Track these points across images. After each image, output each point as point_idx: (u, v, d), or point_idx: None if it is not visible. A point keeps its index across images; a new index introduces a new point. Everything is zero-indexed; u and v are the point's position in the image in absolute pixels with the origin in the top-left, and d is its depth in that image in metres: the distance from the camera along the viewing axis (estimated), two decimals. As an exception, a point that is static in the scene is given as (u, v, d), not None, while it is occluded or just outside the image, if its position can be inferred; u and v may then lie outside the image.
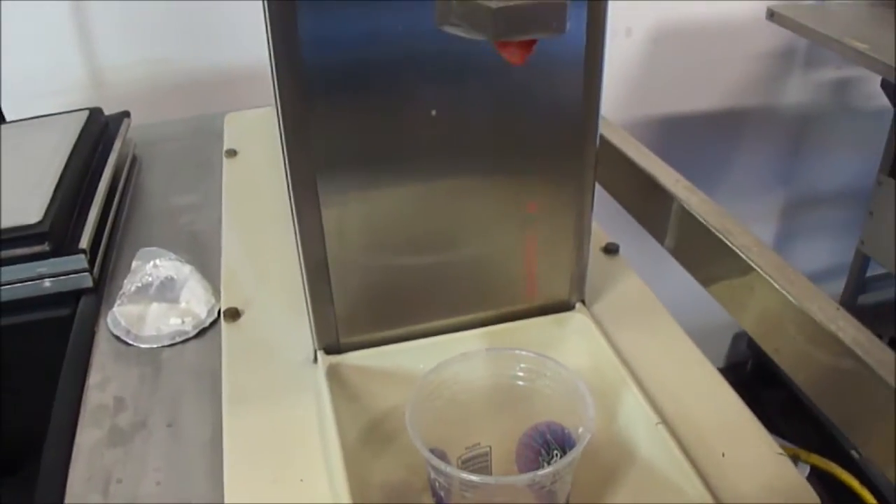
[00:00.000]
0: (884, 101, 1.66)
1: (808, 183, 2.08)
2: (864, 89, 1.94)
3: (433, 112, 0.58)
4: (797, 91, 1.90)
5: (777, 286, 0.67)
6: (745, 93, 1.86)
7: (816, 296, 0.65)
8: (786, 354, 0.67)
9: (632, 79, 1.74)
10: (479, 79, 0.58)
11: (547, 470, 0.50)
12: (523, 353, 0.59)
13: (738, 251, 0.71)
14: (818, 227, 2.15)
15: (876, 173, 1.75)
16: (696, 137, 1.87)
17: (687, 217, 0.78)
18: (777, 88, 1.89)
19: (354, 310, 0.66)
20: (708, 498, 0.54)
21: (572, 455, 0.50)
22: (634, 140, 0.91)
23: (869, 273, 1.92)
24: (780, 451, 0.60)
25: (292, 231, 0.62)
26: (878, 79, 1.64)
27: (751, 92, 1.87)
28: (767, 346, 0.70)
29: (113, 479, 0.64)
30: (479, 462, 0.61)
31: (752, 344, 2.04)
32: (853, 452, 1.68)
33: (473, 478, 0.51)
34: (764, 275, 0.68)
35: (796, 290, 0.65)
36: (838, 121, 1.98)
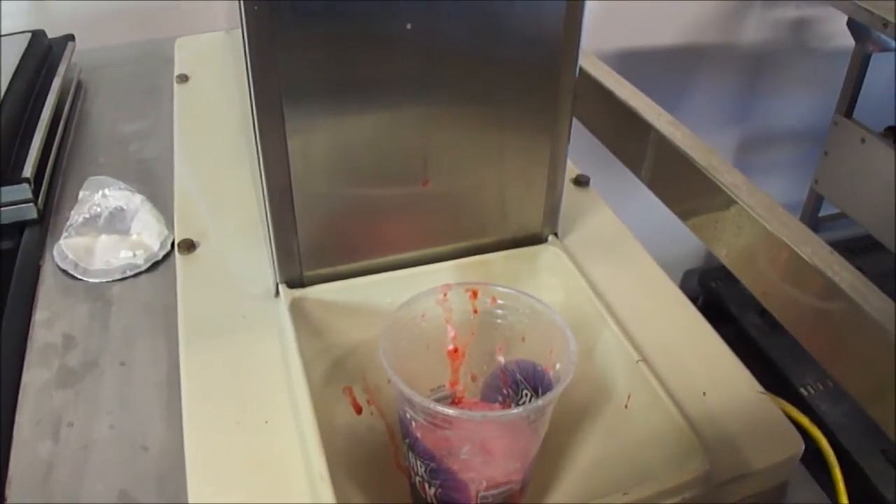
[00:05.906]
0: (841, 41, 1.66)
1: (763, 121, 2.08)
2: (822, 29, 1.93)
3: (408, 26, 0.54)
4: (755, 29, 1.89)
5: (769, 228, 0.66)
6: (703, 29, 1.84)
7: (810, 238, 0.64)
8: (772, 295, 0.67)
9: (588, 13, 1.71)
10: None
11: (539, 402, 0.48)
12: (497, 287, 0.56)
13: (726, 189, 0.70)
14: (772, 165, 2.16)
15: (832, 113, 1.75)
16: (652, 73, 1.85)
17: (670, 152, 0.76)
18: (735, 25, 1.87)
19: (319, 241, 0.62)
20: (692, 438, 0.52)
21: (557, 391, 0.48)
22: (613, 72, 0.88)
23: (822, 213, 1.93)
24: (762, 390, 0.59)
25: (249, 158, 0.59)
26: (836, 18, 1.63)
27: (709, 28, 1.85)
28: (749, 282, 0.69)
29: (64, 423, 0.62)
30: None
31: (702, 280, 2.06)
32: (802, 390, 1.71)
33: (472, 414, 0.49)
34: (755, 215, 0.67)
35: (789, 233, 0.65)
36: (795, 60, 1.98)
